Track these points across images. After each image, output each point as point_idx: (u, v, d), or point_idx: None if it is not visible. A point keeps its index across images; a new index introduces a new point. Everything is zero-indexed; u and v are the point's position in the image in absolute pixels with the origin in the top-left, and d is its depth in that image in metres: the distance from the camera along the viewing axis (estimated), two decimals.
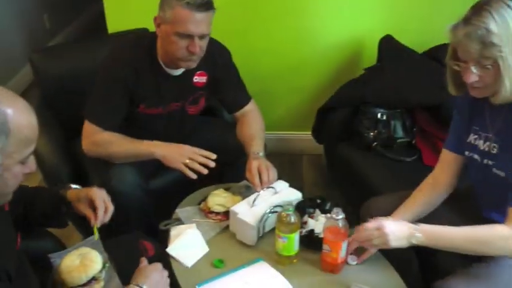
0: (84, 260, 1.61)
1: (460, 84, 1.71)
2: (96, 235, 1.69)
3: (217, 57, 2.32)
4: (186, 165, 2.06)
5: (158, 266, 1.59)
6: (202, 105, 2.41)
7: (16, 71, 4.49)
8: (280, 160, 3.32)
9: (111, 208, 1.71)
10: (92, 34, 5.59)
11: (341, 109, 2.80)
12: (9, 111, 1.21)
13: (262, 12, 3.03)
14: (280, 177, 2.11)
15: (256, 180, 2.03)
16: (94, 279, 1.61)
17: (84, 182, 2.41)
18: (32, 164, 1.35)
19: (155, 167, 2.35)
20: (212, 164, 2.05)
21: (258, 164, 2.08)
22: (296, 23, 3.05)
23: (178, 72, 2.24)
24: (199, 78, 2.31)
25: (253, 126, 2.35)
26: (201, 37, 2.05)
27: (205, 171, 2.05)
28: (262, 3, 3.01)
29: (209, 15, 2.04)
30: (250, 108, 2.45)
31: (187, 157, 2.07)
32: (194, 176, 2.05)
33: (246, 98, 2.46)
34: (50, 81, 2.64)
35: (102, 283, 1.63)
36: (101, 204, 1.69)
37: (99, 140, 2.19)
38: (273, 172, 2.10)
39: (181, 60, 2.11)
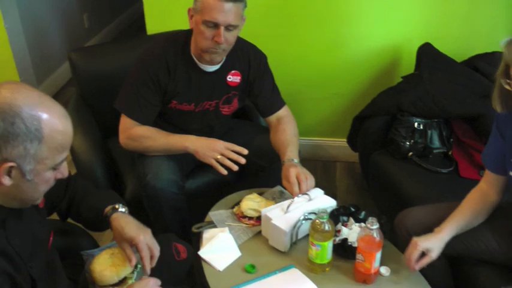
0: (117, 260, 1.61)
1: (508, 101, 1.66)
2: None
3: (252, 58, 2.32)
4: (218, 161, 2.08)
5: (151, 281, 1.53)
6: (236, 106, 2.41)
7: (54, 68, 4.57)
8: (313, 166, 3.32)
9: (156, 254, 1.60)
10: (129, 35, 5.68)
11: (377, 117, 2.77)
12: (45, 116, 1.21)
13: (300, 18, 3.02)
14: (317, 184, 2.10)
15: (296, 188, 2.01)
16: (125, 279, 1.62)
17: (119, 181, 2.45)
18: (64, 170, 1.34)
19: (192, 167, 2.37)
20: (243, 161, 2.06)
21: (296, 172, 2.06)
22: (334, 29, 3.03)
23: (212, 68, 2.24)
24: (233, 78, 2.31)
25: (287, 132, 2.33)
26: (228, 28, 2.05)
27: (235, 168, 2.06)
28: (300, 10, 2.99)
29: (237, 6, 2.04)
30: (284, 113, 2.44)
31: (219, 153, 2.09)
32: (225, 172, 2.07)
33: (280, 103, 2.45)
34: (88, 80, 2.67)
35: (132, 281, 1.63)
36: (146, 253, 1.59)
37: (134, 134, 2.21)
38: (312, 180, 2.08)
39: (206, 52, 2.11)
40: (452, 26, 2.95)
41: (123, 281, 1.61)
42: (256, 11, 2.99)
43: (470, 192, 1.89)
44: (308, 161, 3.26)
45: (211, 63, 2.19)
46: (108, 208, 1.68)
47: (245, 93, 2.40)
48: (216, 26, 2.03)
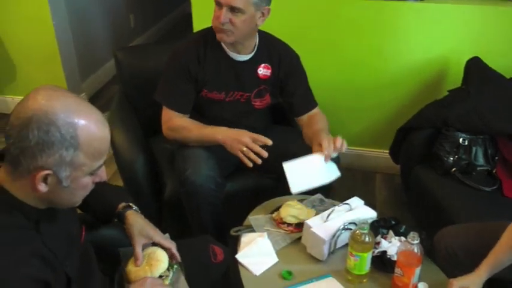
0: (150, 260, 1.62)
1: None
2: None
3: (282, 54, 2.37)
4: (243, 153, 2.11)
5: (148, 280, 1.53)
6: (268, 101, 2.42)
7: (99, 66, 4.65)
8: (353, 176, 3.29)
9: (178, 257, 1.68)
10: (173, 37, 5.75)
11: (422, 130, 2.72)
12: (81, 123, 1.20)
13: (346, 27, 3.00)
14: (353, 194, 2.07)
15: (329, 148, 2.09)
16: (161, 277, 1.62)
17: (159, 180, 2.46)
18: (102, 174, 1.33)
19: (232, 169, 2.40)
20: (265, 154, 2.09)
21: (329, 138, 2.14)
22: (380, 39, 3.00)
23: (242, 58, 2.29)
24: (264, 71, 2.34)
25: (320, 123, 2.37)
26: (233, 11, 2.09)
27: (258, 161, 2.09)
28: (345, 20, 2.98)
29: None
30: (316, 112, 2.46)
31: (244, 145, 2.11)
32: (250, 164, 2.10)
33: (313, 103, 2.47)
34: (131, 78, 2.71)
35: (168, 281, 1.63)
36: (173, 244, 1.66)
37: (173, 125, 2.29)
38: (344, 144, 2.15)
39: (216, 32, 2.19)
40: (503, 41, 2.88)
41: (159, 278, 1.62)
42: (300, 19, 3.00)
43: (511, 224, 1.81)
44: (348, 170, 3.25)
45: (221, 40, 2.23)
46: (122, 205, 1.70)
47: (276, 89, 2.42)
48: (220, 5, 2.11)
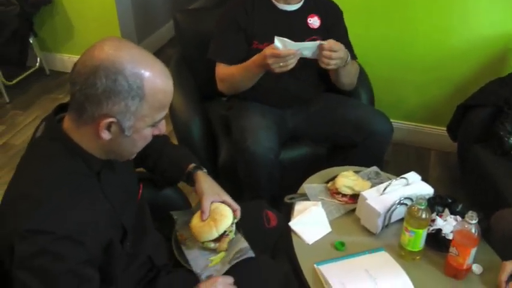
0: (214, 215, 1.63)
1: None
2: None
3: (328, 6, 2.39)
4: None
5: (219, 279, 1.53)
6: None
7: (155, 29, 4.68)
8: (407, 151, 3.24)
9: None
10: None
11: (482, 108, 2.63)
12: (147, 74, 1.21)
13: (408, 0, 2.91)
14: (405, 169, 2.02)
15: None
16: (225, 233, 1.63)
17: (213, 144, 2.48)
18: (162, 127, 1.34)
19: (287, 137, 2.38)
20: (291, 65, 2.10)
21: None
22: (444, 12, 2.89)
23: (290, 8, 2.31)
24: (313, 20, 2.35)
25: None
26: None
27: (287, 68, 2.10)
28: None
29: None
30: (355, 62, 2.45)
31: (275, 63, 2.10)
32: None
33: (352, 56, 2.43)
34: (190, 41, 2.71)
35: (231, 236, 1.65)
36: (237, 205, 1.69)
37: (222, 75, 2.32)
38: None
39: None
40: None
41: (222, 236, 1.63)
42: None
43: None
44: (402, 145, 3.20)
45: (288, 2, 2.26)
46: (192, 165, 1.73)
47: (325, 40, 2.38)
48: None
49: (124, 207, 1.42)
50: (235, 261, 1.59)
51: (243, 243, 1.67)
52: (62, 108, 1.33)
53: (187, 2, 5.13)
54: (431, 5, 2.88)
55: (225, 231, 1.63)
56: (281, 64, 2.09)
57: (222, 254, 1.66)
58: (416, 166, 3.09)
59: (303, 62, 2.32)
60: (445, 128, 2.93)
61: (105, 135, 1.23)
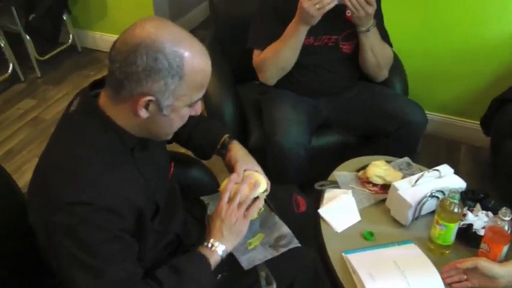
0: (247, 180, 1.57)
1: None
2: None
3: None
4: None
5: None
6: (356, 44, 2.35)
7: (188, 10, 4.67)
8: (437, 144, 3.19)
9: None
10: None
11: None
12: (187, 54, 1.20)
13: None
14: (436, 162, 2.00)
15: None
16: (257, 198, 1.55)
17: (245, 127, 2.47)
18: (198, 108, 1.35)
19: (318, 124, 2.35)
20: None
21: None
22: (481, 4, 2.81)
23: None
24: None
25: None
26: None
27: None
28: None
29: None
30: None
31: (312, 8, 2.07)
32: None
33: (388, 44, 2.40)
34: (225, 23, 2.70)
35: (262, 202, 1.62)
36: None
37: (263, 60, 2.26)
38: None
39: None
40: None
41: (255, 200, 1.56)
42: None
43: None
44: (433, 137, 3.15)
45: None
46: (225, 136, 1.74)
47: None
48: None
49: (157, 184, 1.42)
50: (283, 250, 1.59)
51: (285, 228, 1.67)
52: (97, 85, 1.34)
53: None
54: None
55: (257, 197, 1.55)
56: (317, 6, 2.05)
57: (260, 236, 1.66)
58: (447, 159, 3.02)
59: (337, 56, 2.31)
60: (477, 122, 2.88)
61: (143, 113, 1.23)
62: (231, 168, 1.64)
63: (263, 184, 1.56)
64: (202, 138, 1.76)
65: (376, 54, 2.31)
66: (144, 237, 1.35)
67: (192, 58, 1.21)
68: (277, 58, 2.26)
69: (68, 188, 1.18)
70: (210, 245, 1.44)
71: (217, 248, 1.43)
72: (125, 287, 1.24)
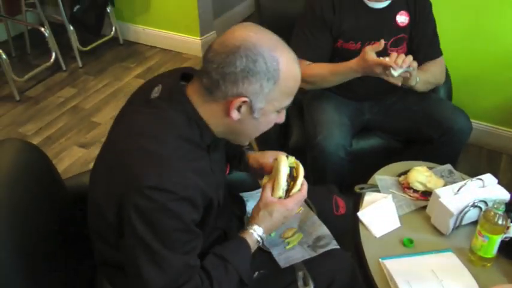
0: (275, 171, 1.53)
1: None
2: None
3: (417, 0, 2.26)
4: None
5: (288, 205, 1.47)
6: (405, 50, 2.32)
7: (232, 6, 4.69)
8: (478, 153, 3.13)
9: None
10: None
11: None
12: (283, 59, 1.24)
13: None
14: (476, 171, 1.96)
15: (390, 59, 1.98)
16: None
17: (285, 127, 2.46)
18: (283, 115, 1.38)
19: (361, 127, 2.33)
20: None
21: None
22: None
23: (380, 5, 2.20)
24: (402, 18, 2.25)
25: (428, 67, 2.27)
26: None
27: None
28: None
29: None
30: (438, 61, 2.35)
31: (376, 70, 2.04)
32: (399, 83, 2.06)
33: (438, 52, 2.35)
34: (269, 20, 2.67)
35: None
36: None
37: (307, 76, 2.22)
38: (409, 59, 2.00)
39: None
40: None
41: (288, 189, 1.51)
42: None
43: None
44: (474, 146, 3.09)
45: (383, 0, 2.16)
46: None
47: (412, 36, 2.31)
48: None
49: (222, 182, 1.46)
50: (322, 251, 1.59)
51: (324, 229, 1.66)
52: (183, 77, 1.38)
53: None
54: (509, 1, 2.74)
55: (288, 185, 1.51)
56: (383, 71, 2.03)
57: (299, 236, 1.66)
58: (487, 169, 2.98)
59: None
60: None
61: (235, 114, 1.27)
62: (258, 167, 1.67)
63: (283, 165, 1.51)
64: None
65: (429, 86, 2.28)
66: (203, 232, 1.37)
67: (287, 64, 1.25)
68: (323, 81, 2.24)
69: (153, 172, 1.20)
70: (254, 231, 1.45)
71: (256, 232, 1.45)
72: (183, 278, 1.26)
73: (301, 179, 1.46)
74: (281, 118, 1.38)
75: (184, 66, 1.50)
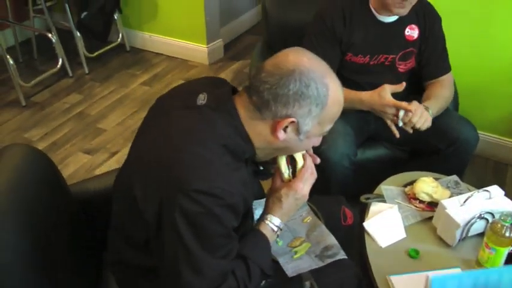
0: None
1: None
2: None
3: (427, 13, 2.27)
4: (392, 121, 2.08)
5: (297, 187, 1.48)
6: (413, 64, 2.33)
7: (238, 15, 4.70)
8: (484, 164, 3.12)
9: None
10: None
11: None
12: (332, 86, 1.29)
13: (502, 4, 2.76)
14: (482, 183, 1.95)
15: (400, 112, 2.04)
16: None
17: None
18: (319, 141, 1.43)
19: (366, 137, 2.33)
20: (397, 135, 2.07)
21: (418, 106, 2.06)
22: None
23: (390, 19, 2.20)
24: (412, 32, 2.25)
25: (438, 92, 2.27)
26: None
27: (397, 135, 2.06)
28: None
29: None
30: (446, 78, 2.34)
31: (388, 111, 2.07)
32: (398, 135, 2.08)
33: (447, 68, 2.35)
34: (276, 27, 2.70)
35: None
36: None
37: None
38: (427, 122, 2.06)
39: (393, 7, 2.09)
40: None
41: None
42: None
43: None
44: (480, 157, 3.07)
45: (398, 15, 2.15)
46: None
47: (421, 51, 2.31)
48: None
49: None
50: (329, 261, 1.58)
51: (332, 239, 1.65)
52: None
53: None
54: None
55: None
56: (391, 118, 2.08)
57: (306, 245, 1.65)
58: (493, 180, 2.96)
59: (392, 75, 2.29)
60: None
61: (281, 134, 1.30)
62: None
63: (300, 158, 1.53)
64: None
65: (442, 110, 2.27)
66: None
67: (335, 91, 1.30)
68: None
69: (202, 176, 1.23)
70: (269, 221, 1.48)
71: (271, 221, 1.48)
72: (218, 282, 1.29)
73: (299, 154, 1.47)
74: (319, 141, 1.42)
75: (215, 76, 1.57)
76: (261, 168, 1.56)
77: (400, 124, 2.06)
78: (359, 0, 2.21)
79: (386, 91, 2.07)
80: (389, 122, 2.08)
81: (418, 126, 2.05)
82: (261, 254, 1.42)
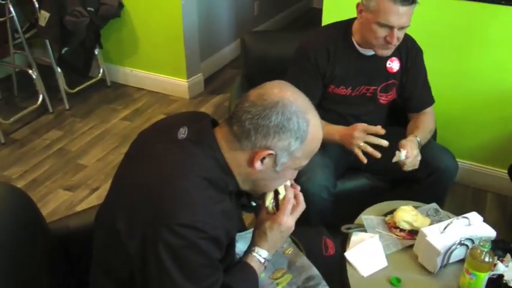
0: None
1: None
2: None
3: (409, 47, 2.31)
4: (360, 148, 2.09)
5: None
6: (394, 96, 2.37)
7: (218, 49, 4.76)
8: (463, 192, 3.15)
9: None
10: (296, 27, 5.79)
11: None
12: (312, 122, 1.31)
13: (475, 35, 2.84)
14: (462, 210, 1.97)
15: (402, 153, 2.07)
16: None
17: None
18: (294, 175, 1.44)
19: (345, 168, 2.34)
20: (385, 144, 2.06)
21: (409, 143, 2.12)
22: (505, 50, 2.81)
23: (371, 52, 2.23)
24: (392, 64, 2.29)
25: (424, 123, 2.32)
26: (401, 28, 2.06)
27: (378, 155, 2.06)
28: (479, 27, 2.82)
29: (412, 8, 2.05)
30: (429, 111, 2.40)
31: (358, 140, 2.09)
32: (365, 160, 2.08)
33: (430, 101, 2.41)
34: (256, 62, 2.74)
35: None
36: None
37: None
38: (415, 160, 2.11)
39: (377, 48, 2.14)
40: None
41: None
42: (428, 22, 2.86)
43: None
44: (459, 185, 3.11)
45: (382, 56, 2.20)
46: None
47: (402, 83, 2.35)
48: (389, 27, 2.04)
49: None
50: None
51: (313, 270, 1.65)
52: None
53: (251, 25, 5.18)
54: (498, 41, 2.81)
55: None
56: (361, 144, 2.09)
57: (288, 277, 1.65)
58: (473, 207, 2.98)
59: (373, 106, 2.33)
60: (504, 170, 2.85)
61: (258, 165, 1.31)
62: None
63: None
64: None
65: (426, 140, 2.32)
66: None
67: (315, 127, 1.32)
68: None
69: (184, 208, 1.24)
70: (256, 253, 1.48)
71: (258, 253, 1.49)
72: None
73: (281, 187, 1.48)
74: (294, 175, 1.43)
75: (195, 111, 1.54)
76: (254, 204, 1.57)
77: (395, 160, 2.08)
78: (342, 36, 2.25)
79: (361, 124, 2.10)
80: (356, 150, 2.09)
81: (408, 169, 2.10)
82: (249, 285, 1.43)
